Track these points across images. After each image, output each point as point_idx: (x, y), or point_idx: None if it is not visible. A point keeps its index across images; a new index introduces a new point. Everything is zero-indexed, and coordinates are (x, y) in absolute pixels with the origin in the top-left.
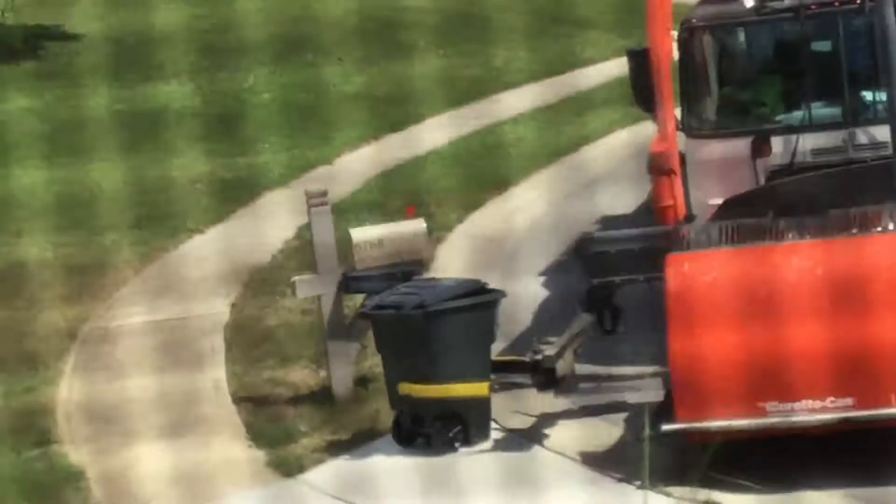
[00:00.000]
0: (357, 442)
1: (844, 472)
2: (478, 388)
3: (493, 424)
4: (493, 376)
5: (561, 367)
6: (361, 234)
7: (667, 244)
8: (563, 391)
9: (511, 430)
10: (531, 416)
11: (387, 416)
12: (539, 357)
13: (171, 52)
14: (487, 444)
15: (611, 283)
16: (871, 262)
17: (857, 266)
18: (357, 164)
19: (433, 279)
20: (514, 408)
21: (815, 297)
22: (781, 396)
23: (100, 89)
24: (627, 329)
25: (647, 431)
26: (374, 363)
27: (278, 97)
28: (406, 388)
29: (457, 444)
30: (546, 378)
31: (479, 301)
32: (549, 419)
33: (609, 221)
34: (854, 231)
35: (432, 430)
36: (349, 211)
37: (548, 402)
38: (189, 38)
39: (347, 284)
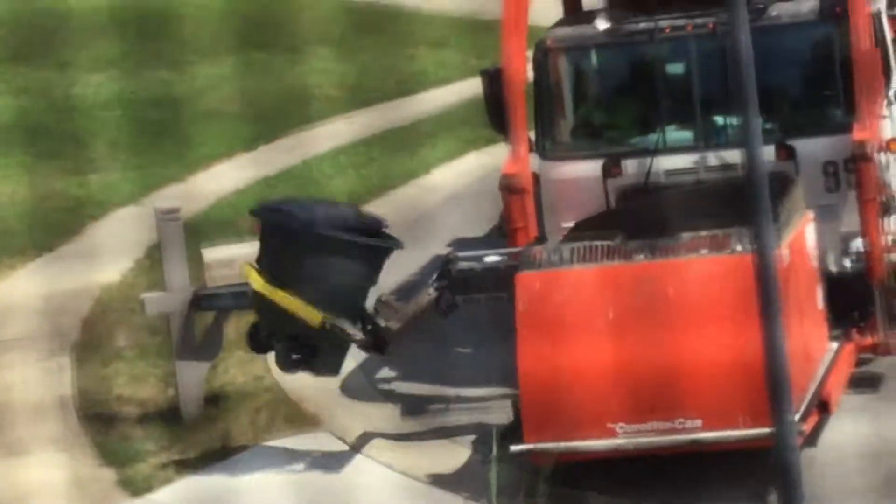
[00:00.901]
0: (205, 461)
1: (696, 491)
2: (310, 314)
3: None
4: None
5: (392, 339)
6: (212, 253)
7: (518, 264)
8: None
9: (355, 450)
10: (377, 434)
11: (238, 436)
12: (381, 324)
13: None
14: (333, 382)
15: (472, 299)
16: (720, 284)
17: (705, 287)
18: (211, 183)
19: (337, 203)
20: (359, 426)
21: (664, 318)
22: (630, 418)
23: None
24: (479, 348)
25: (494, 453)
26: (224, 382)
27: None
28: (253, 279)
29: (295, 370)
30: (375, 344)
31: (367, 242)
32: (395, 439)
33: (464, 242)
34: (703, 252)
35: (279, 345)
36: (201, 229)
37: (395, 422)
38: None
39: (197, 302)
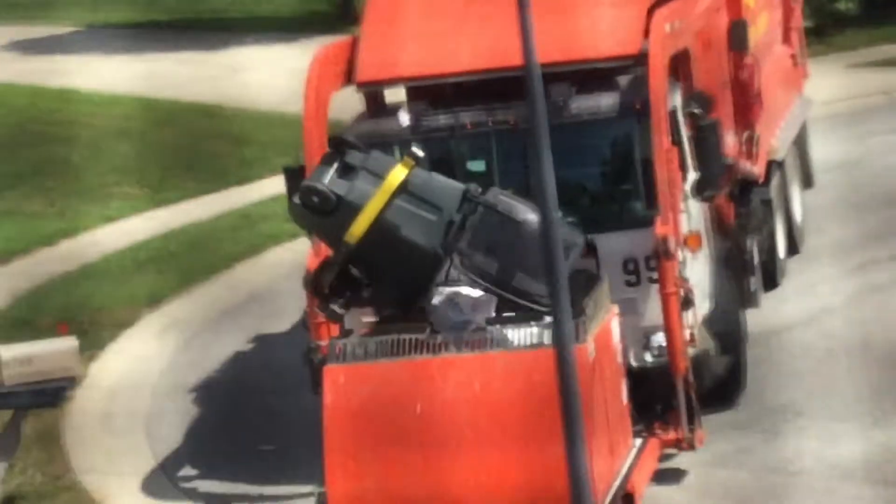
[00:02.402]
0: None
1: None
2: (357, 231)
3: None
4: None
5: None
6: (10, 351)
7: (324, 358)
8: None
9: None
10: None
11: None
12: (335, 308)
13: None
14: None
15: None
16: (523, 378)
17: (508, 381)
18: (5, 280)
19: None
20: None
21: (473, 413)
22: None
23: None
24: (285, 443)
25: None
26: (22, 482)
27: None
28: (397, 172)
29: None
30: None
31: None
32: None
33: (265, 338)
34: (508, 346)
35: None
36: None
37: None
38: None
39: None
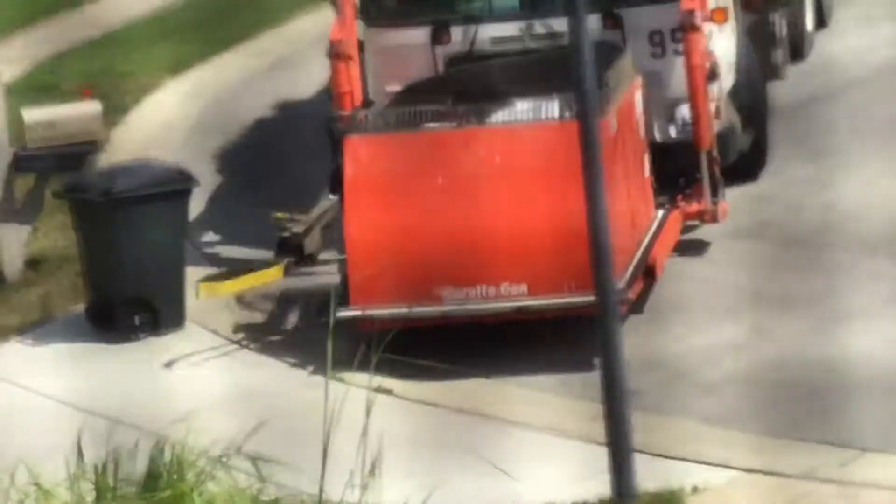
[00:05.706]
0: (28, 325)
1: (521, 358)
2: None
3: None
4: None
5: (308, 244)
6: (33, 114)
7: (345, 128)
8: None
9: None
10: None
11: (59, 300)
12: (286, 235)
13: None
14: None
15: None
16: (545, 149)
17: (531, 153)
18: (30, 48)
19: (142, 162)
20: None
21: (491, 183)
22: (457, 283)
23: None
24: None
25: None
26: (45, 245)
27: None
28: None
29: (142, 334)
30: (294, 255)
31: (169, 189)
32: (219, 307)
33: (289, 105)
34: (530, 117)
35: (119, 314)
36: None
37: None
38: None
39: (18, 163)
